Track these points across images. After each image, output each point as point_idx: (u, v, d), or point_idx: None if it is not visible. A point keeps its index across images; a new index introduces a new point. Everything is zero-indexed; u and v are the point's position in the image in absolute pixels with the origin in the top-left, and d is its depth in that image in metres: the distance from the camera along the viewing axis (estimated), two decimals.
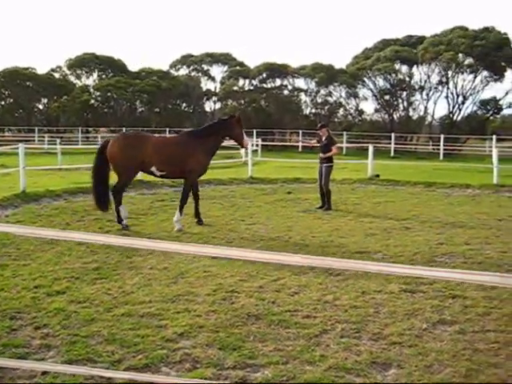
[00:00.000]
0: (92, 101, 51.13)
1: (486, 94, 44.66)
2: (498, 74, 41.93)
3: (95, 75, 54.02)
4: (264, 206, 13.46)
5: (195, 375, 4.38)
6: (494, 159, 18.08)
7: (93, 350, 4.79)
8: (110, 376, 4.19)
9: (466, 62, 41.30)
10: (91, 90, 51.97)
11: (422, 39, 45.49)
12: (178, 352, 4.80)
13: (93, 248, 8.44)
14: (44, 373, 4.31)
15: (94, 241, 3.57)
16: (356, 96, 48.34)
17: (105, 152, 10.28)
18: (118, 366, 4.52)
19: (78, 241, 8.29)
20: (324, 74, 46.81)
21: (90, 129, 51.04)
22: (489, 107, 43.78)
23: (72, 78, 54.22)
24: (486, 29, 41.92)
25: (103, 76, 53.71)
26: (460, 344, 5.05)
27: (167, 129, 45.53)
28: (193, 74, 54.85)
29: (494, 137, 33.81)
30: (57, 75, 53.73)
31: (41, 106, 54.61)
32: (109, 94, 50.01)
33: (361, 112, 49.36)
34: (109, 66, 53.18)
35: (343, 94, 48.85)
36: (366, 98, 48.23)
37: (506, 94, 42.71)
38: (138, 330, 5.24)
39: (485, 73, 42.09)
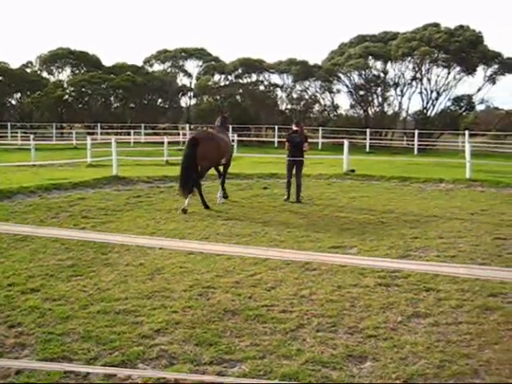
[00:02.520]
0: (66, 96, 50.44)
1: (459, 91, 45.33)
2: (470, 71, 42.51)
3: (68, 70, 53.37)
4: (240, 202, 13.48)
5: (172, 371, 4.37)
6: (467, 154, 18.33)
7: (68, 348, 4.75)
8: (87, 371, 4.16)
9: (442, 57, 41.77)
10: (65, 86, 51.27)
11: (397, 35, 45.86)
12: (155, 348, 4.79)
13: (68, 245, 8.36)
14: (18, 372, 4.27)
15: (69, 237, 3.54)
16: (331, 92, 48.58)
17: (196, 150, 12.01)
18: (93, 364, 4.49)
19: (53, 237, 8.22)
20: (300, 70, 46.90)
21: (65, 125, 50.39)
22: (462, 103, 44.38)
23: (45, 73, 53.47)
24: (461, 27, 42.47)
25: (77, 71, 53.06)
26: (434, 336, 5.13)
27: (143, 124, 45.19)
28: (168, 69, 54.49)
29: (467, 132, 34.26)
30: (29, 70, 52.93)
31: (14, 102, 53.74)
32: (83, 89, 49.38)
33: (336, 107, 49.66)
34: (82, 60, 52.53)
35: (319, 90, 49.09)
36: (339, 92, 48.56)
37: (479, 90, 43.42)
38: (114, 327, 5.21)
39: (458, 69, 42.67)
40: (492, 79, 42.56)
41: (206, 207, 12.23)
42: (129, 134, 41.68)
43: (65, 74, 53.28)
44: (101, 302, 5.90)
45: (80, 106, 51.77)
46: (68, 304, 5.84)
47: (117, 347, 4.79)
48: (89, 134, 40.75)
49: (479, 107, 46.59)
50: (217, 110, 40.80)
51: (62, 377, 4.22)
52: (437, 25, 43.59)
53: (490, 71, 42.44)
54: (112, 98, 52.89)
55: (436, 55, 41.88)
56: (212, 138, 12.67)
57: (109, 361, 4.54)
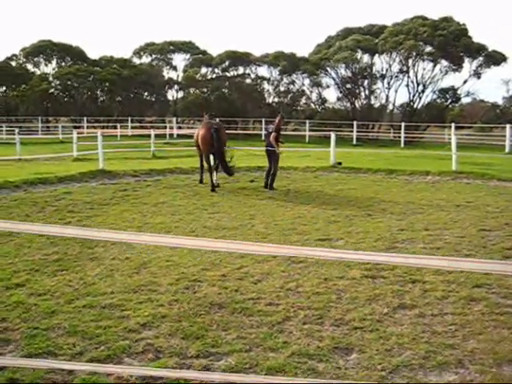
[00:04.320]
0: (51, 89, 49.96)
1: (445, 83, 45.50)
2: (456, 64, 42.70)
3: (54, 63, 52.83)
4: (227, 195, 13.46)
5: (158, 365, 4.37)
6: (453, 146, 18.43)
7: (53, 343, 4.72)
8: (71, 368, 4.14)
9: (426, 51, 41.93)
10: (50, 79, 50.78)
11: (383, 28, 45.92)
12: (141, 342, 4.78)
13: (53, 239, 8.30)
14: (2, 368, 4.23)
15: (53, 233, 3.50)
16: (319, 84, 48.55)
17: (219, 135, 14.07)
18: (79, 359, 4.47)
19: (38, 233, 8.15)
20: (287, 63, 46.82)
21: (51, 118, 49.96)
22: (448, 96, 44.61)
23: (30, 67, 52.92)
24: (445, 19, 42.59)
25: (62, 64, 52.55)
26: (419, 327, 5.16)
27: (129, 117, 44.93)
28: (155, 62, 54.16)
29: (453, 125, 34.46)
30: (14, 63, 52.34)
31: None
32: (69, 82, 48.95)
33: (323, 100, 49.64)
34: (67, 53, 52.00)
35: (306, 83, 49.09)
36: (328, 87, 48.58)
37: (464, 82, 43.63)
38: (99, 322, 5.19)
39: (444, 62, 42.84)
40: (477, 73, 42.77)
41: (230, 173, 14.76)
42: (115, 127, 41.44)
43: (50, 67, 52.79)
44: (86, 297, 5.87)
45: (66, 99, 51.31)
46: (53, 299, 5.81)
47: (102, 342, 4.77)
48: (75, 127, 40.47)
49: (465, 100, 46.95)
50: (205, 105, 40.55)
51: (47, 372, 4.19)
52: (426, 18, 43.67)
53: (475, 64, 42.67)
54: (98, 92, 52.49)
55: (422, 49, 42.01)
56: (223, 126, 15.17)
57: (94, 355, 4.52)
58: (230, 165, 14.70)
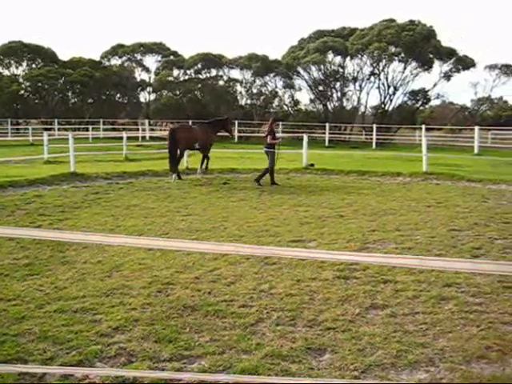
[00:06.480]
0: (22, 91, 49.17)
1: (416, 85, 46.11)
2: (426, 66, 43.30)
3: (24, 64, 51.98)
4: (199, 197, 13.42)
5: (130, 369, 4.33)
6: (424, 148, 18.68)
7: (23, 349, 4.65)
8: (43, 372, 4.08)
9: (395, 51, 42.37)
10: (21, 80, 49.98)
11: (354, 31, 46.36)
12: (113, 346, 4.74)
13: (23, 244, 8.18)
14: None
15: (25, 235, 3.45)
16: (291, 87, 48.73)
17: (176, 137, 16.33)
18: (50, 364, 4.40)
19: (8, 236, 8.03)
20: (259, 65, 46.89)
21: (21, 120, 49.15)
22: (418, 98, 45.21)
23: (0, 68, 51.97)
24: (412, 22, 43.16)
25: (33, 65, 51.76)
26: (391, 327, 5.22)
27: (101, 120, 44.48)
28: (126, 64, 53.72)
29: (424, 126, 34.93)
30: None
31: None
32: (39, 84, 48.24)
33: (296, 102, 49.82)
34: (38, 54, 51.20)
35: (278, 85, 49.23)
36: (300, 89, 48.81)
37: (434, 85, 44.29)
38: (71, 326, 5.13)
39: (413, 64, 43.37)
40: (447, 75, 43.45)
41: (179, 176, 16.55)
42: (87, 129, 41.01)
43: (20, 69, 51.93)
44: (58, 301, 5.80)
45: (36, 101, 50.55)
46: (23, 304, 5.72)
47: (74, 346, 4.72)
48: (46, 129, 39.87)
49: (435, 102, 47.69)
50: (177, 107, 40.34)
51: (17, 379, 4.12)
52: (392, 20, 44.24)
53: (445, 67, 43.37)
54: (69, 93, 51.85)
55: (389, 50, 42.45)
56: (184, 128, 17.29)
57: (66, 361, 4.46)
58: (176, 166, 16.57)
